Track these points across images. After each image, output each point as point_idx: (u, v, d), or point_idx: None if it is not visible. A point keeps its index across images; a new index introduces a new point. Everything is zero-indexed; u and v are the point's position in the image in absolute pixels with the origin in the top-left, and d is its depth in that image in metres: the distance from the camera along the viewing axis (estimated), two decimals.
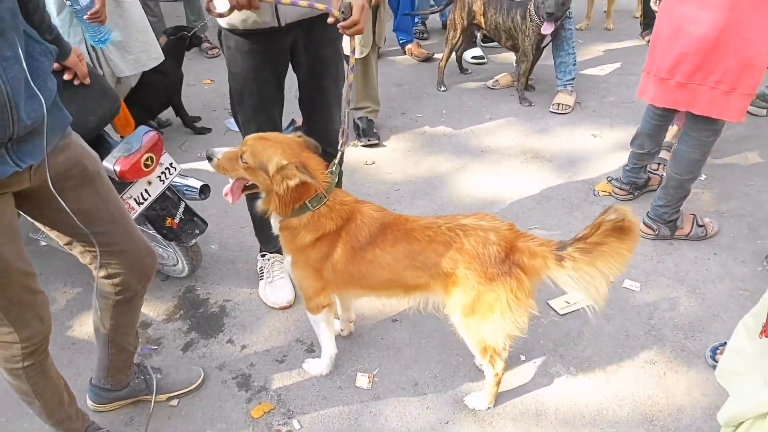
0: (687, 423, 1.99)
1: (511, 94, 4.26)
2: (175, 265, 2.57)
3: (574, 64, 3.96)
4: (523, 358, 2.25)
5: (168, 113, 3.90)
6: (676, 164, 2.65)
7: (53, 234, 1.63)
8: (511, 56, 4.71)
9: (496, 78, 4.38)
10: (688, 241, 2.80)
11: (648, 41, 4.93)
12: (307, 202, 1.80)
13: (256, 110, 2.21)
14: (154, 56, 3.20)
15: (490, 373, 1.99)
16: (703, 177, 3.27)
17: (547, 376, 2.18)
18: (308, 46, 2.14)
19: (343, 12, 1.80)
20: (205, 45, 4.92)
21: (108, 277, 1.73)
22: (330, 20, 1.83)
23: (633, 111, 3.98)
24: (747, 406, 1.34)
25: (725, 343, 2.16)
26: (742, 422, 1.39)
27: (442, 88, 4.33)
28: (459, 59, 4.56)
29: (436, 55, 4.88)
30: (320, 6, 1.81)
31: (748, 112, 3.82)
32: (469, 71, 4.60)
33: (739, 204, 3.06)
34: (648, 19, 4.94)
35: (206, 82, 4.60)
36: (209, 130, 3.92)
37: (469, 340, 1.92)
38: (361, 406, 2.10)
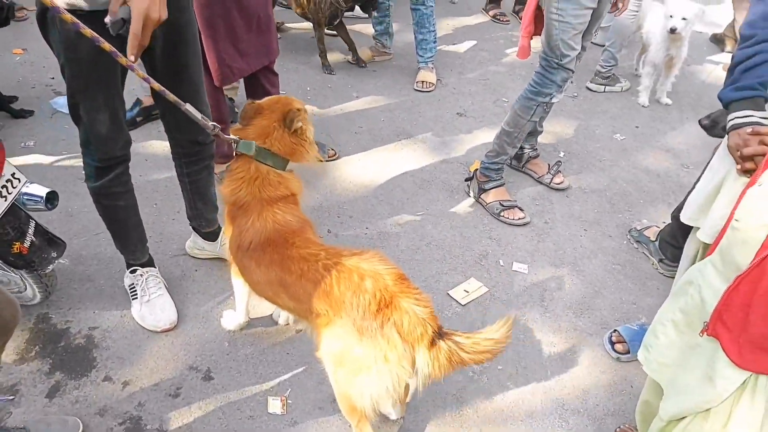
0: (594, 403, 2.11)
1: (373, 69, 4.14)
2: (21, 293, 2.10)
3: (435, 42, 3.95)
4: None
5: None
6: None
7: None
8: (364, 29, 4.58)
9: None
10: (561, 219, 2.97)
11: (493, 16, 5.14)
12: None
13: (107, 97, 1.82)
14: None
15: None
16: (561, 154, 3.48)
17: (462, 372, 2.16)
18: None
19: (112, 24, 1.45)
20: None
21: None
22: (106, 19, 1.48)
23: (490, 88, 4.09)
24: (692, 402, 1.41)
25: (616, 330, 2.31)
26: (684, 417, 1.47)
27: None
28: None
29: (287, 24, 4.58)
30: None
31: (588, 88, 4.16)
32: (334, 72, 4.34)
33: (595, 179, 3.30)
34: None
35: (16, 52, 3.83)
36: (31, 112, 3.28)
37: (337, 395, 1.73)
38: None
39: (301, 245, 1.68)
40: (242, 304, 2.12)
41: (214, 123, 1.75)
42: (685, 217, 1.85)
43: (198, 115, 1.69)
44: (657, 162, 3.49)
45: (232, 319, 2.20)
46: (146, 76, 1.59)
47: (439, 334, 1.54)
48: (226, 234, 1.92)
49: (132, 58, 1.46)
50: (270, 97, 1.95)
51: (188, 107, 1.66)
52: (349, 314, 1.52)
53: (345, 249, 1.67)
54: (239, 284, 2.03)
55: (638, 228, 2.87)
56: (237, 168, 1.81)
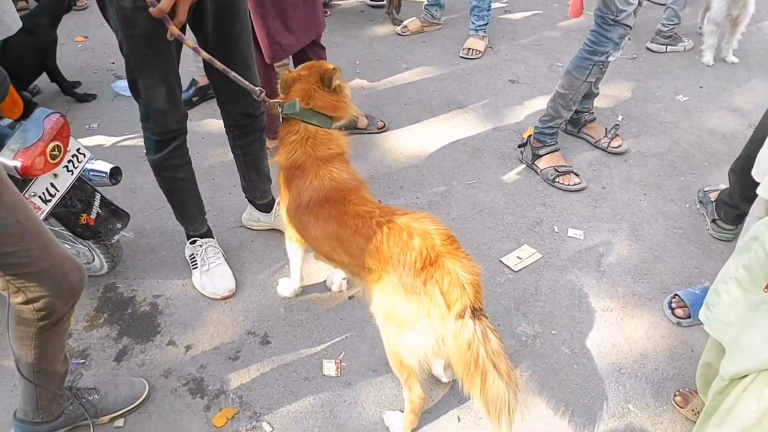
0: (652, 368, 2.05)
1: (422, 40, 4.10)
2: (90, 263, 2.22)
3: (488, 10, 3.86)
4: None
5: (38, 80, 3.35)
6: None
7: None
8: None
9: (404, 24, 4.18)
10: (619, 184, 2.87)
11: None
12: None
13: (163, 72, 1.89)
14: (15, 18, 2.68)
15: (406, 397, 1.78)
16: (620, 118, 3.35)
17: (515, 337, 2.15)
18: None
19: None
20: None
21: (27, 302, 1.41)
22: None
23: (544, 53, 3.98)
24: (758, 360, 1.35)
25: (676, 294, 2.24)
26: (746, 375, 1.41)
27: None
28: None
29: (334, 0, 4.59)
30: None
31: (648, 49, 3.98)
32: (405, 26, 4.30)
33: (656, 142, 3.17)
34: None
35: (78, 40, 4.00)
36: (94, 96, 3.43)
37: (386, 351, 1.74)
38: (333, 396, 1.95)
39: (357, 202, 1.71)
40: (296, 270, 2.17)
41: (260, 88, 1.79)
42: (756, 173, 1.77)
43: (244, 81, 1.73)
44: (723, 122, 3.32)
45: (287, 286, 2.26)
46: (195, 46, 1.64)
47: (474, 312, 1.49)
48: (282, 201, 1.97)
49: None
50: (302, 64, 1.99)
51: (234, 74, 1.71)
52: (395, 270, 1.55)
53: (399, 209, 1.69)
54: (294, 249, 2.09)
55: (705, 189, 2.74)
56: (287, 132, 1.86)
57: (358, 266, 1.69)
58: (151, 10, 1.53)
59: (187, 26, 1.89)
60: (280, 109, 1.85)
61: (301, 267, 2.18)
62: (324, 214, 1.74)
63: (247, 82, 1.76)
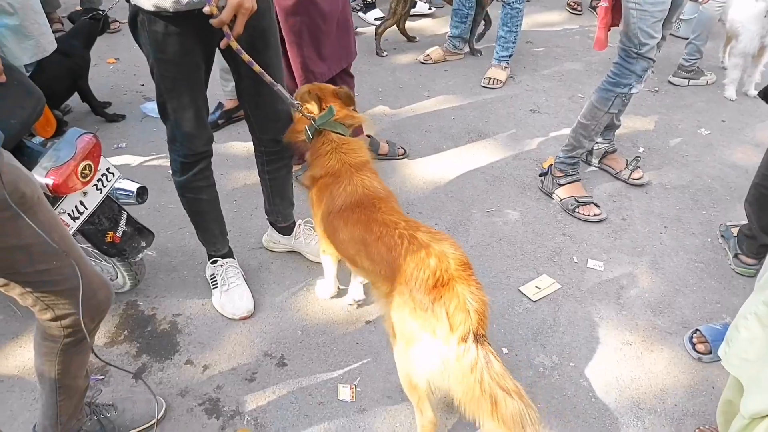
0: (672, 403, 2.02)
1: (444, 69, 4.15)
2: (113, 280, 2.26)
3: (514, 42, 3.90)
4: (505, 351, 2.18)
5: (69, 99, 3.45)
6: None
7: None
8: (437, 28, 4.61)
9: (427, 53, 4.24)
10: (640, 216, 2.86)
11: (567, 4, 5.03)
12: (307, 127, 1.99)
13: (192, 96, 1.94)
14: (51, 40, 2.79)
15: (418, 422, 1.79)
16: (641, 150, 3.35)
17: (532, 367, 2.13)
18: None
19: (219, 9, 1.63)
20: None
21: (55, 319, 1.44)
22: (205, 9, 1.63)
23: (565, 84, 4.01)
24: None
25: (697, 329, 2.21)
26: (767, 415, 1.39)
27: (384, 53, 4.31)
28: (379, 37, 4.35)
29: (360, 29, 4.67)
30: None
31: (670, 83, 3.99)
32: (386, 53, 4.38)
33: (678, 175, 3.16)
34: None
35: (110, 61, 4.11)
36: (123, 116, 3.51)
37: (398, 372, 1.76)
38: (347, 422, 1.95)
39: (386, 211, 1.79)
40: (330, 277, 2.29)
41: (299, 102, 1.96)
42: None
43: (286, 93, 1.88)
44: (745, 157, 3.30)
45: (324, 289, 2.35)
46: (250, 59, 1.77)
47: (477, 337, 1.52)
48: (314, 214, 2.05)
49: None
50: (307, 88, 2.10)
51: (279, 87, 1.85)
52: (408, 284, 1.59)
53: (423, 225, 1.74)
54: (327, 260, 2.21)
55: (728, 224, 2.72)
56: (321, 143, 1.97)
57: (377, 274, 1.74)
58: (211, 21, 1.61)
59: (219, 53, 1.95)
60: (313, 122, 1.95)
61: (335, 274, 2.29)
62: (353, 218, 1.82)
63: (288, 95, 1.90)
